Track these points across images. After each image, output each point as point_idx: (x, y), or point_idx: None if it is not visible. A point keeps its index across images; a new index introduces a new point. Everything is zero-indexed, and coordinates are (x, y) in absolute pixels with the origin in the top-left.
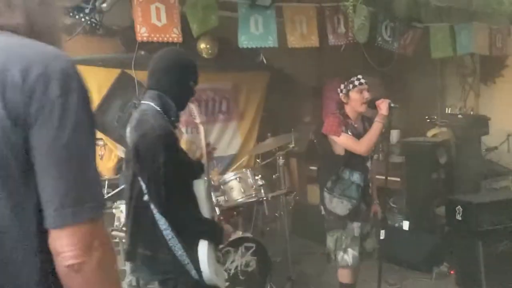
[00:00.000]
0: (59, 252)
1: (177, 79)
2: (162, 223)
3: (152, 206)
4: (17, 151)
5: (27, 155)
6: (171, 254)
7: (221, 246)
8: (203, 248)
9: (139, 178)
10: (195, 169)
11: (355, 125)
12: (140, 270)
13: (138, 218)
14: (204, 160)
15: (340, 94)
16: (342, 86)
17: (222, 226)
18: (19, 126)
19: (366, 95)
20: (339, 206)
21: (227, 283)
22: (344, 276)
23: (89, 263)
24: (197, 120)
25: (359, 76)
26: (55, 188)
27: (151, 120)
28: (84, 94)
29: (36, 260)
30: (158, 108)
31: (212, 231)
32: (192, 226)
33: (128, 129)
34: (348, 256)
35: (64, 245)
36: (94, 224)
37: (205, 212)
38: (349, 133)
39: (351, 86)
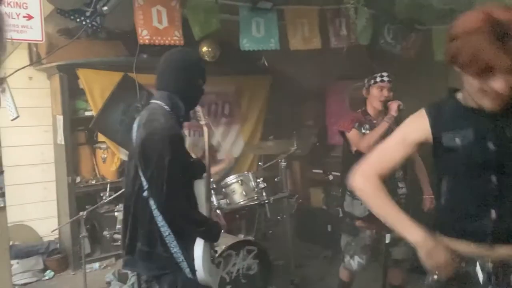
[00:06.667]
0: None
1: (185, 78)
2: (160, 219)
3: (151, 203)
4: None
5: None
6: (167, 250)
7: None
8: (199, 247)
9: (141, 174)
10: (197, 169)
11: (374, 121)
12: (137, 264)
13: (137, 213)
14: (206, 161)
15: (363, 89)
16: (365, 80)
17: (218, 224)
18: None
19: (386, 93)
20: (357, 207)
21: (229, 286)
22: (344, 275)
23: None
24: (202, 122)
25: (384, 73)
26: None
27: (161, 119)
28: None
29: None
30: (167, 108)
31: (209, 231)
32: (190, 226)
33: (135, 125)
34: (354, 262)
35: None
36: None
37: (204, 211)
38: (364, 129)
39: (372, 81)
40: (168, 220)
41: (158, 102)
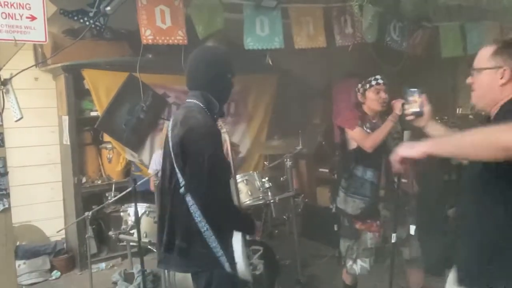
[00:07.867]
0: None
1: (215, 76)
2: (197, 215)
3: (187, 199)
4: None
5: None
6: (205, 246)
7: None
8: (238, 240)
9: (177, 171)
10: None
11: (374, 121)
12: (173, 262)
13: (174, 210)
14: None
15: (358, 94)
16: (359, 86)
17: (252, 217)
18: None
19: (383, 95)
20: (350, 205)
21: None
22: (346, 278)
23: None
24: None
25: (377, 76)
26: None
27: (198, 116)
28: None
29: None
30: (202, 106)
31: (247, 224)
32: (230, 219)
33: (171, 123)
34: (357, 266)
35: None
36: None
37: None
38: (365, 128)
39: (367, 85)
40: (209, 215)
41: (193, 101)
